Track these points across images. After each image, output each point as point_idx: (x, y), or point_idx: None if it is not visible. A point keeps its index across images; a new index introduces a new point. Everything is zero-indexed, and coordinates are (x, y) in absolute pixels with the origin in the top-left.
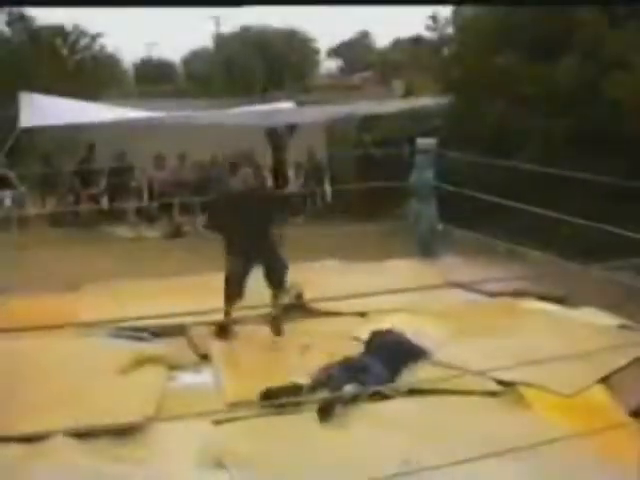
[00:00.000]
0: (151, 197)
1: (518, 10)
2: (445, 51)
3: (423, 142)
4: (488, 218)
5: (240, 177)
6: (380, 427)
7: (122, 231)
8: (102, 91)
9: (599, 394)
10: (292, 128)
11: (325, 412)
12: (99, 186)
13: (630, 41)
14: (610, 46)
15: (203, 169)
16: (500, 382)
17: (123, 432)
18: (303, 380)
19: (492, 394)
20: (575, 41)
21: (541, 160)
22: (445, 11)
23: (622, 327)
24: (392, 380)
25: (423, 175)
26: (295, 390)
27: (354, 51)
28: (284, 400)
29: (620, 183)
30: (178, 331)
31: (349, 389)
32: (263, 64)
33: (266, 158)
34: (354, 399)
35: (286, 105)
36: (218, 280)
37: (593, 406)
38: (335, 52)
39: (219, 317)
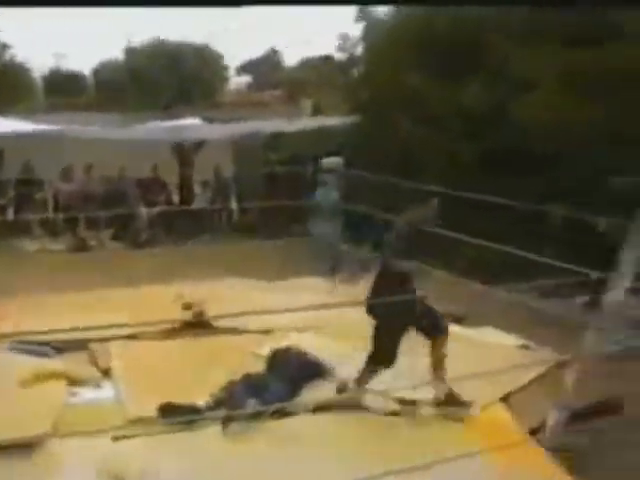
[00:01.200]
0: (57, 209)
1: (427, 31)
2: (354, 71)
3: (328, 161)
4: None
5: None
6: (283, 444)
7: (26, 244)
8: (10, 102)
9: (500, 412)
10: (199, 144)
11: (228, 429)
12: (5, 197)
13: (536, 61)
14: (517, 66)
15: (110, 183)
16: (402, 400)
17: (22, 448)
18: (204, 397)
19: (394, 412)
20: (483, 61)
21: (448, 180)
22: (355, 31)
23: (522, 347)
24: (293, 397)
25: (328, 194)
26: (193, 411)
27: (263, 68)
28: (185, 417)
29: (525, 206)
30: (80, 346)
31: (250, 406)
32: (173, 78)
33: (173, 174)
34: (256, 416)
35: (193, 121)
36: (122, 295)
37: (494, 424)
38: (245, 69)
39: (121, 332)
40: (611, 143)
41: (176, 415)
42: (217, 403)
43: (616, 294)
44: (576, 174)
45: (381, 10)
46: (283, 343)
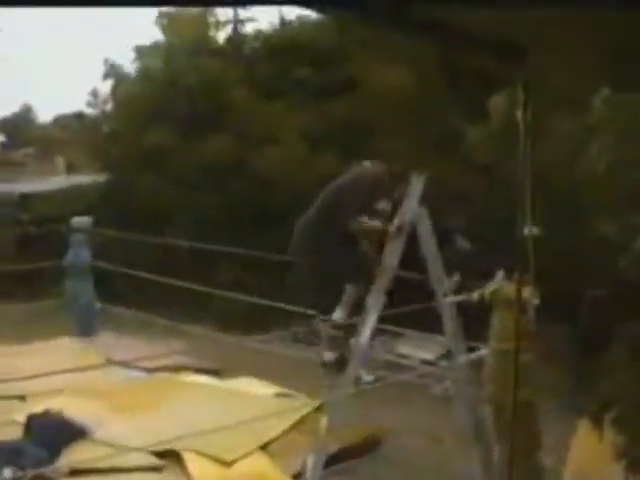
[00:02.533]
0: None
1: (171, 86)
2: (104, 128)
3: (78, 220)
4: (146, 295)
5: None
6: None
7: None
8: None
9: (260, 461)
10: None
11: None
12: None
13: (279, 118)
14: (260, 123)
15: None
16: (162, 455)
17: None
18: None
19: (155, 469)
20: (226, 118)
21: (197, 236)
22: (105, 87)
23: (279, 395)
24: (52, 461)
25: (79, 253)
26: None
27: (17, 126)
28: None
29: (269, 257)
30: None
31: (7, 474)
32: None
33: None
34: None
35: None
36: None
37: (255, 473)
38: None
39: None
40: None
41: None
42: None
43: (362, 337)
44: None
45: (129, 66)
46: (40, 407)
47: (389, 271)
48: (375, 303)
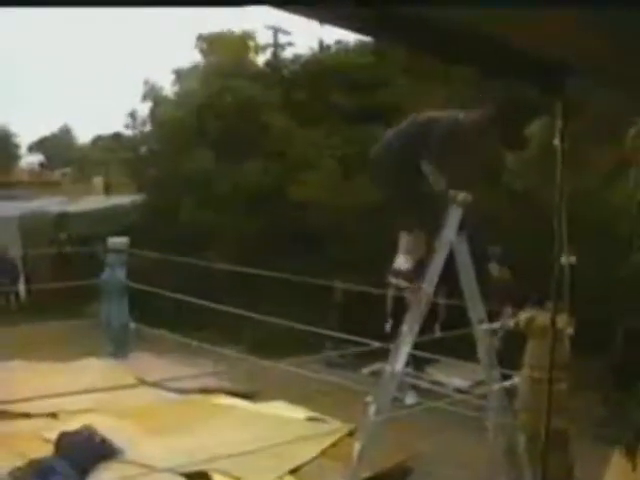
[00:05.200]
0: None
1: (209, 110)
2: (142, 149)
3: (115, 241)
4: (181, 317)
5: None
6: None
7: None
8: None
9: None
10: None
11: None
12: None
13: (316, 143)
14: (298, 147)
15: None
16: (192, 477)
17: None
18: None
19: None
20: (264, 141)
21: (233, 258)
22: (144, 109)
23: (310, 419)
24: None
25: (114, 274)
26: None
27: (55, 146)
28: None
29: (305, 280)
30: None
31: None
32: None
33: None
34: None
35: None
36: None
37: None
38: (37, 147)
39: None
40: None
41: None
42: None
43: (396, 363)
44: (355, 249)
45: (168, 88)
46: (72, 426)
47: (425, 297)
48: (410, 329)
